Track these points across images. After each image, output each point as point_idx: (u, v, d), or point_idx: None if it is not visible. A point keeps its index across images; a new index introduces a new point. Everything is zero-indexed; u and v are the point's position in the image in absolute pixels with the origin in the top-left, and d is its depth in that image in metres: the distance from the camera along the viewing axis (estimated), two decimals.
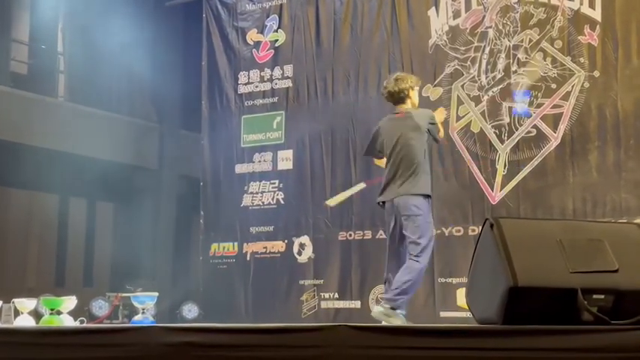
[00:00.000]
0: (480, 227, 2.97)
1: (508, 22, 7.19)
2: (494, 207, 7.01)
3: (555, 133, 6.88)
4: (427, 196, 5.42)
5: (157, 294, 5.37)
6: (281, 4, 8.47)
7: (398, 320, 5.16)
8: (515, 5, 7.17)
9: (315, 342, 2.79)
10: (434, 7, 7.55)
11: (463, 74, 7.34)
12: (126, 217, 11.62)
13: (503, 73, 7.15)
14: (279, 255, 8.09)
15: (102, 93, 11.05)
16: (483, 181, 7.11)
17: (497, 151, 7.09)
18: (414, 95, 5.60)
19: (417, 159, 5.39)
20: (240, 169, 8.47)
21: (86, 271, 11.65)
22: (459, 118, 7.31)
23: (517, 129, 7.03)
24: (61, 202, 11.60)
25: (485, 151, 7.15)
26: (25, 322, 4.88)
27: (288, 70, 8.34)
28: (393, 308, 5.21)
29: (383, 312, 5.22)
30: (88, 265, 11.69)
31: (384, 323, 5.09)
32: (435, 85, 7.44)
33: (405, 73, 6.11)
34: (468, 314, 3.17)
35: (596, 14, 6.81)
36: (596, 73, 6.76)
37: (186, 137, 11.04)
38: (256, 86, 8.54)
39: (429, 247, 5.32)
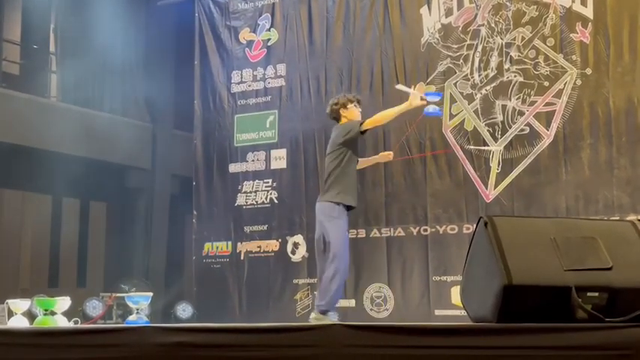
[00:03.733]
0: (475, 225, 2.97)
1: (500, 20, 7.20)
2: (489, 205, 7.02)
3: (548, 130, 6.90)
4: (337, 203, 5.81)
5: (150, 294, 5.35)
6: (273, 3, 8.46)
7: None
8: (508, 3, 7.18)
9: (310, 341, 2.79)
10: (426, 5, 7.55)
11: (456, 72, 7.35)
12: (119, 217, 11.60)
13: (496, 71, 7.16)
14: (273, 254, 8.09)
15: (94, 93, 11.03)
16: (477, 179, 7.12)
17: (491, 149, 7.10)
18: (347, 112, 6.02)
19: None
20: (233, 168, 8.46)
21: (80, 272, 11.63)
22: (452, 117, 7.32)
23: (510, 127, 7.05)
24: (54, 202, 11.57)
25: (478, 149, 7.16)
26: (18, 322, 4.86)
27: (281, 69, 8.34)
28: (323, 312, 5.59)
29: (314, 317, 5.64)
30: (82, 266, 11.67)
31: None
32: (427, 84, 7.45)
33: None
34: (463, 312, 3.17)
35: (588, 12, 6.82)
36: (589, 71, 6.78)
37: (179, 137, 11.02)
38: (249, 85, 8.53)
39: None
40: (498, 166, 7.06)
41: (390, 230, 7.48)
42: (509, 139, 7.04)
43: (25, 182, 10.62)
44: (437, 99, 5.98)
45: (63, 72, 10.92)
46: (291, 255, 7.95)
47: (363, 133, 5.89)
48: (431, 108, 5.88)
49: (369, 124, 5.86)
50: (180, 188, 10.86)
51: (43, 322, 4.77)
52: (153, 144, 11.39)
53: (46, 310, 4.86)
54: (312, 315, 5.75)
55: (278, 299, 7.95)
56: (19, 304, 4.96)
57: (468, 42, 7.33)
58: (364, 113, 7.70)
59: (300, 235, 7.92)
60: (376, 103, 7.72)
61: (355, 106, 6.07)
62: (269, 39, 8.45)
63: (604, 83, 6.71)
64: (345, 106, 6.03)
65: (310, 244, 7.87)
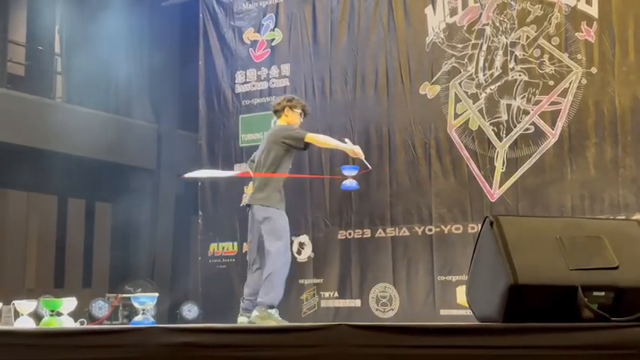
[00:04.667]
0: (480, 225, 2.97)
1: (505, 20, 7.19)
2: (493, 204, 7.01)
3: (553, 130, 6.89)
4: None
5: (156, 294, 5.37)
6: (277, 3, 8.46)
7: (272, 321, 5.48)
8: (512, 2, 7.17)
9: (316, 341, 2.79)
10: (431, 5, 7.55)
11: (460, 72, 7.34)
12: (124, 218, 11.61)
13: (500, 71, 7.15)
14: None
15: (99, 94, 11.04)
16: (482, 178, 7.11)
17: (496, 149, 7.10)
18: (292, 113, 6.00)
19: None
20: (238, 168, 8.45)
21: (85, 272, 11.64)
22: (456, 116, 7.32)
23: (515, 126, 7.04)
24: (60, 203, 11.59)
25: (483, 148, 7.15)
26: (25, 323, 4.88)
27: (285, 69, 8.34)
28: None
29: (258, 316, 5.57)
30: (87, 266, 11.69)
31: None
32: (432, 83, 7.45)
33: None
34: (469, 312, 3.17)
35: (593, 10, 6.81)
36: (594, 70, 6.76)
37: (184, 137, 11.02)
38: (253, 85, 8.53)
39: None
40: (503, 165, 7.05)
41: (395, 230, 7.48)
42: (514, 138, 7.03)
43: (30, 183, 10.64)
44: (353, 173, 6.00)
45: (68, 73, 10.94)
46: (296, 255, 7.94)
47: (304, 147, 5.86)
48: (347, 182, 5.94)
49: (311, 139, 5.82)
50: (186, 189, 10.86)
51: (49, 323, 4.78)
52: (158, 144, 11.40)
53: (52, 311, 4.88)
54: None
55: (284, 299, 7.85)
56: (26, 305, 4.98)
57: (473, 41, 7.32)
58: (369, 114, 7.75)
59: (305, 236, 7.92)
60: (381, 103, 7.73)
61: (300, 114, 6.04)
62: (273, 39, 8.46)
63: (609, 82, 6.69)
64: (294, 107, 6.01)
65: (316, 243, 7.88)
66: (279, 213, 5.76)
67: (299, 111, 6.02)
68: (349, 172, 5.96)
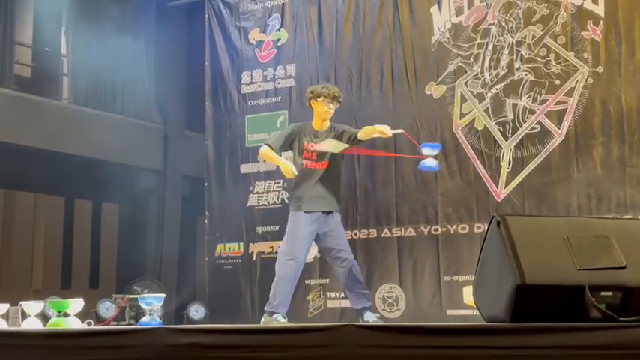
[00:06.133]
0: (486, 225, 2.97)
1: (511, 19, 7.18)
2: (499, 204, 7.00)
3: (559, 129, 6.88)
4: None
5: (163, 295, 5.37)
6: (283, 4, 8.46)
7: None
8: (518, 2, 7.16)
9: (323, 342, 2.79)
10: (436, 5, 7.54)
11: (466, 71, 7.33)
12: (131, 219, 11.64)
13: (506, 70, 7.14)
14: None
15: (106, 95, 11.07)
16: (488, 178, 7.10)
17: (502, 148, 7.09)
18: (316, 104, 5.89)
19: None
20: (244, 169, 8.47)
21: (92, 273, 11.67)
22: (462, 116, 7.31)
23: (521, 125, 7.03)
24: (67, 204, 11.62)
25: (489, 148, 7.14)
26: (32, 324, 4.89)
27: (291, 69, 8.34)
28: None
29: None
30: (94, 267, 11.71)
31: None
32: (438, 83, 7.44)
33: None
34: (475, 312, 3.17)
35: (599, 9, 6.80)
36: (600, 69, 6.75)
37: (191, 138, 11.05)
38: (259, 86, 8.54)
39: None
40: (509, 165, 7.04)
41: (401, 230, 7.48)
42: (520, 137, 7.02)
43: (37, 184, 10.68)
44: (435, 152, 5.48)
45: (74, 74, 10.97)
46: None
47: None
48: (427, 162, 5.40)
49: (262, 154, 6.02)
50: (192, 189, 10.88)
51: (57, 324, 4.79)
52: (164, 145, 11.43)
53: (59, 312, 4.89)
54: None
55: (290, 300, 7.94)
56: (33, 306, 4.99)
57: (479, 41, 7.32)
58: (375, 113, 7.73)
59: None
60: (386, 103, 7.73)
61: (325, 101, 5.82)
62: (279, 39, 8.46)
63: (615, 81, 6.67)
64: (317, 97, 5.83)
65: None
66: (291, 215, 5.90)
67: (322, 99, 5.82)
68: (429, 150, 5.40)
